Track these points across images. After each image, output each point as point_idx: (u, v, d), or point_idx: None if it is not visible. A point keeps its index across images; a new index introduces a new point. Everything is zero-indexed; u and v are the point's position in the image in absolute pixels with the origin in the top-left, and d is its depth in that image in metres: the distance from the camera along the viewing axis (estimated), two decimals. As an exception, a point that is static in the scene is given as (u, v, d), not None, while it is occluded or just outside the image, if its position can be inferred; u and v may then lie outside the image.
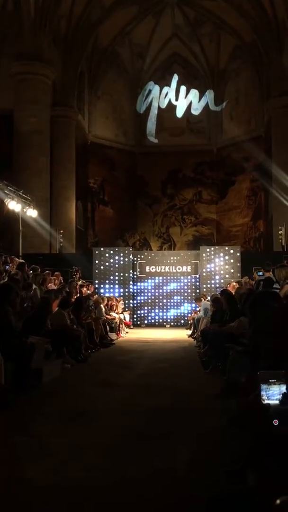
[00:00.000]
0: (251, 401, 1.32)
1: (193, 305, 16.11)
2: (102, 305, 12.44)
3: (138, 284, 17.46)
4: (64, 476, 3.08)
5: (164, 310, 17.43)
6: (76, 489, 2.86)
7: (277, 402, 1.26)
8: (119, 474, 3.11)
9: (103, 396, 5.52)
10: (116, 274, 16.98)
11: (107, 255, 17.13)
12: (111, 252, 17.33)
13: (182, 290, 17.41)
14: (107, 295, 15.37)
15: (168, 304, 17.42)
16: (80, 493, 2.81)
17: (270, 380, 1.27)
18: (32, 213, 16.68)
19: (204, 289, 16.35)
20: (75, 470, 3.17)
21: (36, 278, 10.70)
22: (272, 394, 1.27)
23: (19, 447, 3.66)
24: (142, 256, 18.03)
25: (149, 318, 17.48)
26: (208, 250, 17.39)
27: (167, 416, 4.63)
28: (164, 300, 17.44)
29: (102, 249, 17.84)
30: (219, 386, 5.37)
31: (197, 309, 13.89)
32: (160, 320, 17.39)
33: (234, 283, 12.66)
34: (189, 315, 16.14)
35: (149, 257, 18.03)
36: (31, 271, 11.30)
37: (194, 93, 28.73)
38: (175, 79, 28.67)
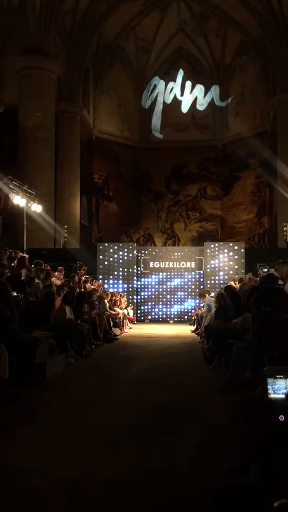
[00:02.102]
0: (257, 396, 1.32)
1: (197, 301, 16.10)
2: (106, 300, 12.46)
3: (142, 279, 17.47)
4: (66, 469, 3.09)
5: (168, 306, 17.44)
6: (77, 483, 2.87)
7: (283, 396, 1.25)
8: (121, 468, 3.12)
9: (106, 391, 5.53)
10: (120, 269, 16.99)
11: (111, 250, 17.14)
12: (115, 247, 17.33)
13: (186, 286, 17.41)
14: (110, 290, 15.39)
15: (172, 300, 17.43)
16: (82, 487, 2.82)
17: (277, 376, 1.26)
18: (36, 208, 16.69)
19: (208, 285, 16.34)
20: (77, 464, 3.18)
21: (39, 273, 10.70)
22: (278, 388, 1.26)
23: (23, 440, 3.67)
24: (146, 252, 18.03)
25: (153, 313, 17.49)
26: (212, 246, 17.37)
27: (170, 411, 4.63)
28: (168, 296, 17.45)
29: (106, 244, 17.84)
30: (223, 381, 5.37)
31: (201, 305, 13.88)
32: (164, 316, 17.40)
33: (234, 281, 12.70)
34: (193, 311, 16.14)
35: (153, 253, 18.03)
36: (32, 266, 11.29)
37: (199, 88, 28.70)
38: (180, 74, 28.64)
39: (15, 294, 6.97)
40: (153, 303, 17.53)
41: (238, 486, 1.51)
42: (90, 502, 2.62)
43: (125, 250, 17.24)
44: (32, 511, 2.53)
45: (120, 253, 17.09)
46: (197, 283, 17.31)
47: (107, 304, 12.52)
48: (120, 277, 16.97)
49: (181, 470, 3.12)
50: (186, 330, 13.91)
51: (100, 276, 16.70)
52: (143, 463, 3.22)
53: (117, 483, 2.88)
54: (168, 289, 17.46)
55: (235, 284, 11.58)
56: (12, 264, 10.59)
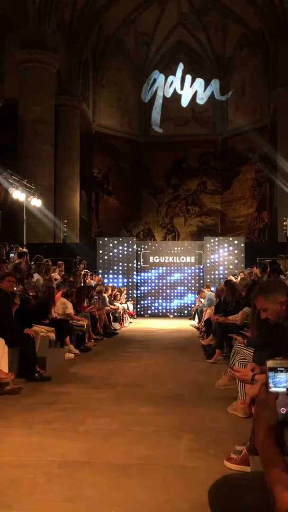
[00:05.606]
0: (258, 389, 1.31)
1: (196, 296, 16.12)
2: (106, 295, 12.47)
3: (142, 274, 17.48)
4: (65, 464, 3.10)
5: (168, 301, 17.46)
6: (77, 478, 2.88)
7: (284, 389, 1.25)
8: (122, 461, 3.13)
9: (106, 385, 5.55)
10: (120, 264, 16.99)
11: (111, 245, 17.13)
12: (115, 242, 17.33)
13: (185, 281, 17.43)
14: (110, 285, 15.40)
15: (172, 294, 17.45)
16: (82, 480, 2.83)
17: (278, 369, 1.26)
18: (36, 202, 16.69)
19: (208, 280, 16.36)
20: (76, 457, 3.19)
21: (39, 268, 10.71)
22: (279, 382, 1.26)
23: (22, 435, 3.68)
24: (146, 246, 18.03)
25: (153, 308, 17.52)
26: (212, 240, 17.37)
27: (170, 404, 4.64)
28: (168, 291, 17.47)
29: (106, 239, 17.84)
30: (222, 375, 5.38)
31: (201, 300, 13.89)
32: (164, 311, 17.43)
33: (234, 275, 12.73)
34: (193, 305, 16.17)
35: (153, 248, 18.03)
36: (32, 262, 11.30)
37: (199, 82, 28.61)
38: (180, 68, 28.54)
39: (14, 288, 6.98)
40: (153, 297, 17.55)
41: (239, 479, 1.51)
42: (90, 495, 2.63)
43: (125, 244, 17.24)
44: (31, 505, 2.54)
45: (120, 247, 17.09)
46: (197, 277, 17.33)
47: (107, 299, 12.53)
48: (120, 272, 16.97)
49: (181, 463, 3.13)
50: (186, 325, 13.93)
51: (100, 271, 16.71)
52: (143, 455, 3.23)
53: (117, 477, 2.89)
54: (168, 284, 17.47)
55: (235, 278, 11.60)
56: (11, 254, 10.60)
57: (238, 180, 28.03)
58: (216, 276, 16.53)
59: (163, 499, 2.60)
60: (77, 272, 12.07)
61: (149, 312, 17.48)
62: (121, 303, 14.24)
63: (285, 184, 20.74)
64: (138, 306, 17.40)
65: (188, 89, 28.79)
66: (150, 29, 27.66)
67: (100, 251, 16.97)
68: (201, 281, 16.88)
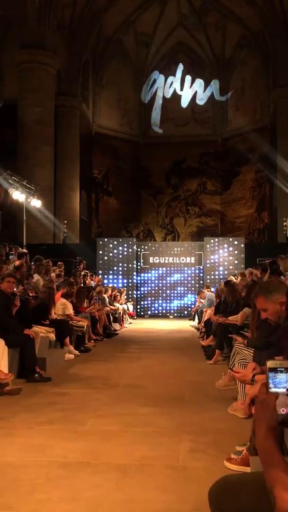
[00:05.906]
0: (258, 389, 1.32)
1: (196, 296, 16.12)
2: (105, 296, 12.47)
3: (142, 274, 17.48)
4: (65, 464, 3.10)
5: (168, 301, 17.45)
6: (76, 476, 2.88)
7: (284, 390, 1.25)
8: (122, 462, 3.13)
9: (106, 386, 5.54)
10: (120, 264, 16.99)
11: (111, 245, 17.13)
12: (115, 242, 17.33)
13: (185, 281, 17.43)
14: (110, 285, 15.40)
15: (172, 295, 17.44)
16: (82, 481, 2.83)
17: (278, 369, 1.26)
18: (36, 203, 16.69)
19: (208, 280, 16.36)
20: (76, 457, 3.19)
21: (39, 268, 10.72)
22: (279, 382, 1.26)
23: (22, 435, 3.68)
24: (146, 247, 18.03)
25: (153, 309, 17.51)
26: (212, 241, 17.37)
27: (170, 405, 4.64)
28: (168, 291, 17.47)
29: (106, 239, 17.83)
30: (222, 376, 5.38)
31: (201, 300, 13.89)
32: (164, 311, 17.42)
33: (234, 276, 12.74)
34: (193, 306, 16.16)
35: (153, 248, 18.03)
36: (32, 263, 11.30)
37: (199, 83, 28.64)
38: (180, 68, 28.57)
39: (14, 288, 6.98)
40: (152, 298, 17.54)
41: (239, 479, 1.51)
42: (90, 497, 2.63)
43: (125, 245, 17.24)
44: (31, 505, 2.54)
45: (120, 248, 17.09)
46: (197, 278, 17.32)
47: (107, 299, 12.53)
48: (120, 272, 16.97)
49: (181, 463, 3.13)
50: (186, 325, 13.93)
51: (100, 271, 16.71)
52: (144, 456, 3.23)
53: (116, 478, 2.89)
54: (168, 284, 17.47)
55: (235, 279, 11.60)
56: (11, 256, 10.61)
57: (238, 180, 28.04)
58: (216, 276, 16.53)
59: (163, 499, 2.60)
60: (77, 273, 12.07)
61: (149, 312, 17.47)
62: (121, 304, 14.24)
63: (285, 184, 20.75)
64: (138, 306, 17.40)
65: (188, 89, 28.81)
66: (150, 30, 27.67)
67: (100, 252, 16.97)
68: (201, 282, 16.87)
